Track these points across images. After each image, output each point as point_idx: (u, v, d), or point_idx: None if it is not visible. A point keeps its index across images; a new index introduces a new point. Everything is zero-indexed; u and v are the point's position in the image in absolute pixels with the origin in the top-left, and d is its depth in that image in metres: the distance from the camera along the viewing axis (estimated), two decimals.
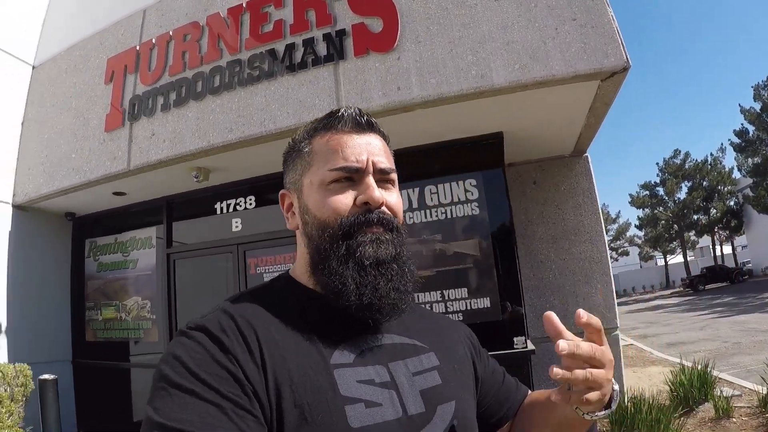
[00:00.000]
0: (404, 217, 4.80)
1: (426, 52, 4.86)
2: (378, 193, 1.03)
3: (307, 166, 1.09)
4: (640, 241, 59.68)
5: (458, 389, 1.09)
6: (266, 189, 6.63)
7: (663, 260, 57.77)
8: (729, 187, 46.62)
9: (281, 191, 1.17)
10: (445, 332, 1.23)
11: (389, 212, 1.05)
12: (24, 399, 5.47)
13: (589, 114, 5.48)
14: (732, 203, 47.10)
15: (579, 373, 0.87)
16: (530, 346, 5.45)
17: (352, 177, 1.04)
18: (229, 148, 5.48)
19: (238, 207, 6.77)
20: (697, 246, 58.10)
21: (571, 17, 4.57)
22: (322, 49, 5.20)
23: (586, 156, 7.01)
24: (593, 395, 0.89)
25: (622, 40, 4.42)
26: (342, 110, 1.09)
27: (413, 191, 5.80)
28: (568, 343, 0.87)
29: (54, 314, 7.53)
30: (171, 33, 6.03)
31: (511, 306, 5.53)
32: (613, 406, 1.01)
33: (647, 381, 8.06)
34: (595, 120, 5.74)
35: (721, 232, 49.59)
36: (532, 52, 4.57)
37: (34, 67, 7.60)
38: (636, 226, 55.99)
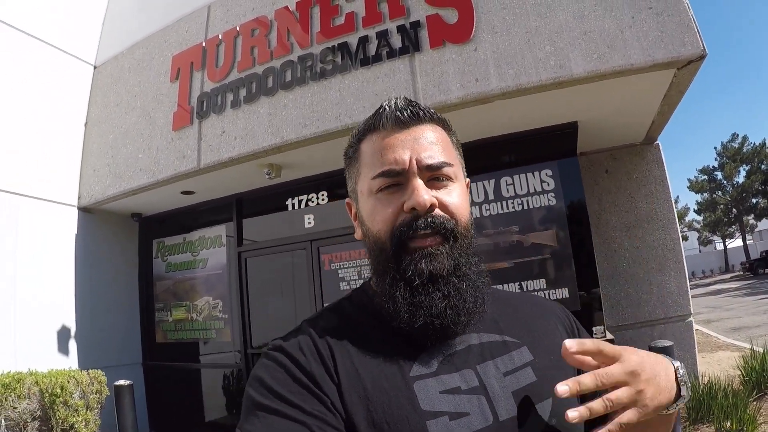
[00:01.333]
0: (478, 210, 4.85)
1: (503, 42, 4.93)
2: (424, 195, 0.95)
3: (358, 174, 1.07)
4: (698, 226, 59.20)
5: (555, 383, 0.92)
6: (339, 184, 6.65)
7: (722, 245, 56.94)
8: None
9: (347, 200, 1.15)
10: (537, 320, 1.13)
11: (443, 214, 0.99)
12: (99, 406, 5.57)
13: (663, 102, 5.51)
14: None
15: (595, 406, 0.81)
16: (609, 335, 5.56)
17: (399, 181, 0.99)
18: (303, 143, 5.60)
19: (310, 203, 6.88)
20: (756, 230, 57.38)
21: (647, 6, 4.60)
22: (396, 41, 5.30)
23: (658, 143, 7.04)
24: (630, 415, 0.82)
25: (698, 28, 4.45)
26: (385, 105, 1.04)
27: (489, 183, 5.87)
28: (566, 384, 0.81)
29: (123, 317, 7.74)
30: (238, 28, 6.19)
31: (590, 296, 5.63)
32: (684, 393, 0.91)
33: (717, 366, 8.08)
34: (669, 108, 5.76)
35: None
36: (609, 41, 4.62)
37: (95, 67, 7.80)
38: (695, 210, 55.68)
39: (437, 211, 0.97)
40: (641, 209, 6.83)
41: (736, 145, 48.44)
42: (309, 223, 6.86)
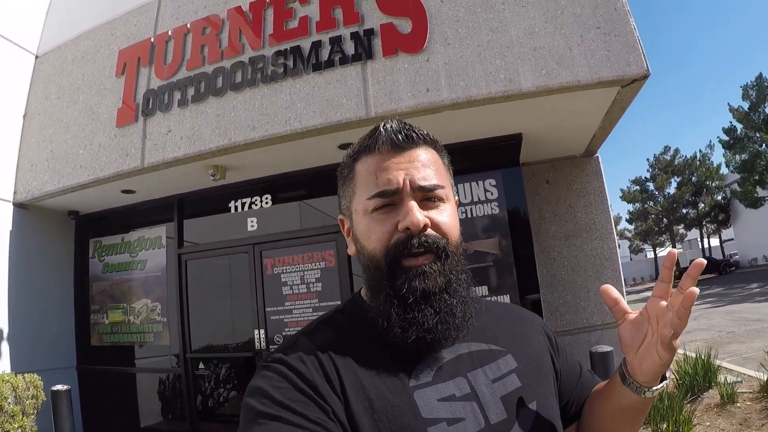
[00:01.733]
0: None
1: (455, 54, 5.01)
2: (417, 216, 0.99)
3: (353, 193, 1.10)
4: (630, 235, 61.51)
5: (538, 389, 1.09)
6: (283, 187, 6.71)
7: (653, 253, 58.99)
8: (717, 183, 48.58)
9: (339, 216, 1.19)
10: (519, 329, 1.21)
11: (435, 233, 1.02)
12: (35, 412, 5.37)
13: (605, 118, 5.73)
14: (720, 198, 48.83)
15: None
16: None
17: (393, 201, 1.02)
18: (251, 146, 5.54)
19: (253, 206, 6.80)
20: (686, 239, 59.92)
21: (596, 25, 4.79)
22: (349, 47, 5.30)
23: (597, 156, 7.29)
24: (673, 338, 0.98)
25: (643, 49, 4.66)
26: (381, 128, 1.06)
27: None
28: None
29: (57, 318, 7.43)
30: (189, 26, 6.06)
31: (531, 302, 5.78)
32: (668, 375, 1.07)
33: None
34: (610, 123, 5.99)
35: (708, 226, 51.02)
36: (558, 58, 4.78)
37: (36, 57, 7.46)
38: (626, 219, 57.95)
39: (430, 231, 1.01)
40: (580, 219, 7.05)
41: (668, 158, 50.71)
42: (252, 226, 6.77)
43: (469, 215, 5.88)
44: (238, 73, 5.68)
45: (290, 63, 5.48)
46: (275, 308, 6.42)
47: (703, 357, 6.92)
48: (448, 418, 0.94)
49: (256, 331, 6.42)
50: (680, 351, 9.67)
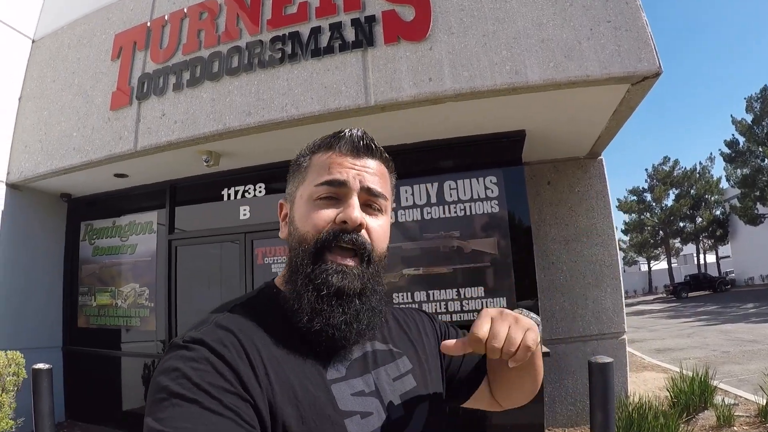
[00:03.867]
0: (420, 212, 4.79)
1: (459, 44, 4.82)
2: (357, 212, 1.03)
3: (302, 180, 1.12)
4: (624, 246, 60.47)
5: (429, 387, 1.16)
6: (277, 177, 6.49)
7: (647, 266, 58.57)
8: (716, 197, 47.83)
9: (280, 201, 1.21)
10: (412, 330, 1.28)
11: (366, 237, 1.06)
12: (15, 389, 5.27)
13: (612, 117, 5.51)
14: (718, 213, 48.33)
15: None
16: (544, 348, 5.46)
17: (338, 194, 1.06)
18: (247, 132, 5.34)
19: (246, 194, 6.62)
20: (681, 253, 59.31)
21: (606, 19, 4.59)
22: (350, 34, 5.10)
23: (601, 158, 7.06)
24: (531, 335, 0.96)
25: (655, 46, 4.46)
26: (345, 132, 1.11)
27: (432, 186, 5.76)
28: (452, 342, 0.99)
29: (46, 299, 7.37)
30: (185, 10, 5.87)
31: (528, 307, 5.50)
32: (539, 335, 1.03)
33: (643, 386, 8.17)
34: (617, 124, 5.78)
35: (705, 241, 50.54)
36: (567, 51, 4.58)
37: (33, 41, 7.38)
38: (622, 230, 56.91)
39: (363, 232, 1.05)
40: (581, 223, 6.82)
41: (667, 168, 49.93)
42: (244, 214, 6.59)
43: (468, 212, 5.68)
44: (235, 58, 5.49)
45: (288, 49, 5.28)
46: None
47: (700, 376, 6.56)
48: (361, 412, 0.99)
49: None
50: (671, 367, 9.58)
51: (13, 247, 6.91)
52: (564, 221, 6.84)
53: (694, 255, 55.81)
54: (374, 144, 1.12)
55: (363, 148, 1.10)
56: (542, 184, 6.94)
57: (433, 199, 5.73)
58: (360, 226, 1.04)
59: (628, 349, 6.69)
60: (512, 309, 1.01)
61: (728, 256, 52.82)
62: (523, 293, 5.55)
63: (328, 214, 1.04)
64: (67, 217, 7.83)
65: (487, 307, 5.25)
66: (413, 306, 5.09)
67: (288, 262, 1.11)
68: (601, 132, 6.03)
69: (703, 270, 51.07)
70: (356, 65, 5.02)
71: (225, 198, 6.75)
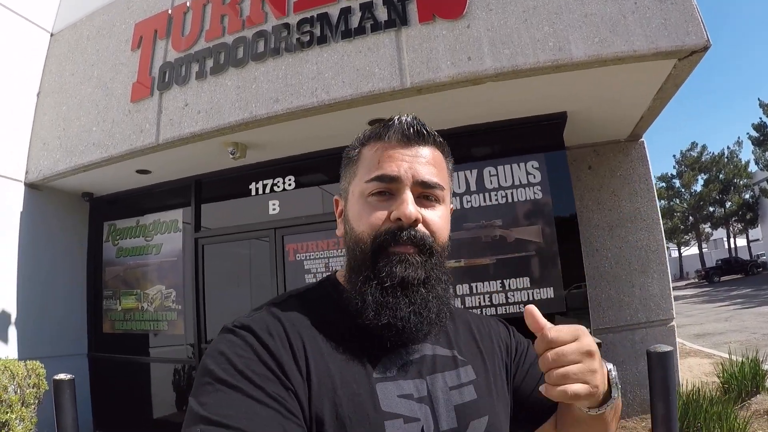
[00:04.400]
0: (459, 201, 4.64)
1: (498, 20, 4.60)
2: (411, 208, 1.00)
3: (353, 175, 1.10)
4: None
5: (493, 403, 1.09)
6: (307, 169, 6.33)
7: (677, 252, 58.18)
8: (745, 181, 47.73)
9: (335, 196, 1.19)
10: (484, 339, 1.21)
11: (425, 230, 1.02)
12: (36, 401, 5.06)
13: (656, 95, 5.33)
14: (747, 196, 47.97)
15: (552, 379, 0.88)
16: (596, 339, 5.27)
17: (390, 189, 1.03)
18: (275, 120, 5.14)
19: (275, 188, 6.40)
20: (711, 238, 59.04)
21: None
22: (382, 14, 4.88)
23: (642, 141, 6.88)
24: (579, 387, 0.87)
25: (702, 18, 4.26)
26: (395, 119, 1.07)
27: (471, 173, 5.58)
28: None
29: (68, 304, 7.16)
30: None
31: (576, 297, 5.44)
32: (614, 395, 1.01)
33: (689, 373, 8.06)
34: (661, 102, 5.60)
35: (735, 225, 50.28)
36: (611, 26, 4.39)
37: (52, 35, 7.23)
38: None
39: (420, 227, 1.01)
40: (625, 208, 6.66)
41: (695, 154, 49.87)
42: (273, 209, 6.38)
43: (510, 200, 5.48)
44: (260, 42, 5.29)
45: (317, 31, 5.07)
46: None
47: (750, 360, 6.46)
48: (405, 416, 0.94)
49: None
50: (714, 352, 9.57)
51: (34, 249, 6.72)
52: (607, 206, 6.66)
53: (725, 239, 55.50)
54: (426, 129, 1.07)
55: (414, 135, 1.05)
56: (582, 169, 6.74)
57: (473, 187, 5.54)
58: (416, 221, 1.00)
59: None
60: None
61: (756, 239, 52.60)
62: (570, 282, 5.40)
63: (383, 211, 1.01)
64: (90, 217, 7.67)
65: (532, 299, 5.11)
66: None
67: (347, 262, 1.09)
68: (644, 112, 5.87)
69: (733, 254, 50.71)
70: (390, 46, 4.80)
71: (253, 192, 6.54)
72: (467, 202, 5.52)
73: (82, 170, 6.26)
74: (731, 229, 51.16)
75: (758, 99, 39.66)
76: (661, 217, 6.85)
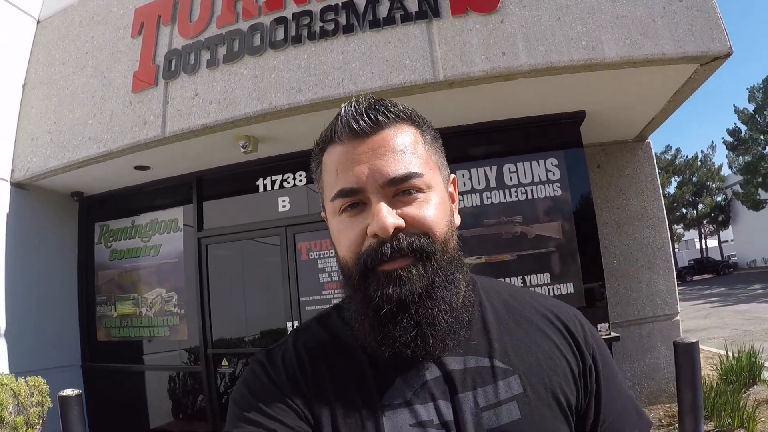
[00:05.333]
0: (479, 197, 4.80)
1: (532, 17, 4.77)
2: (387, 219, 0.85)
3: (321, 191, 1.00)
4: None
5: (544, 425, 0.92)
6: None
7: None
8: (717, 184, 49.92)
9: (321, 213, 1.05)
10: (542, 339, 1.01)
11: (415, 231, 0.89)
12: (41, 421, 4.91)
13: (671, 98, 5.64)
14: (719, 199, 50.08)
15: None
16: (613, 333, 5.72)
17: (360, 200, 0.90)
18: (296, 111, 5.12)
19: (285, 183, 6.38)
20: (683, 239, 61.44)
21: None
22: (412, 4, 4.96)
23: (648, 141, 7.25)
24: None
25: (725, 27, 4.55)
26: (342, 110, 0.94)
27: (491, 169, 5.76)
28: None
29: (59, 311, 6.97)
30: None
31: (595, 292, 5.72)
32: None
33: None
34: (674, 105, 5.92)
35: (707, 227, 52.06)
36: (642, 29, 4.62)
37: (38, 22, 7.00)
38: None
39: (407, 231, 0.88)
40: (632, 206, 6.99)
41: (669, 157, 51.28)
42: (284, 206, 6.35)
43: (530, 196, 5.72)
44: (280, 30, 5.28)
45: (342, 19, 5.11)
46: (311, 298, 6.07)
47: (746, 353, 7.07)
48: None
49: (289, 324, 6.05)
50: (709, 348, 10.00)
51: (24, 254, 6.50)
52: (615, 205, 6.97)
53: (696, 240, 57.50)
54: (379, 109, 0.92)
55: (366, 124, 0.90)
56: (592, 168, 6.97)
57: (493, 183, 5.72)
58: (396, 230, 0.87)
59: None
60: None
61: (727, 241, 54.96)
62: (589, 278, 5.67)
63: (359, 228, 0.89)
64: (80, 218, 7.48)
65: (553, 294, 5.28)
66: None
67: (342, 284, 0.99)
68: (656, 114, 6.17)
69: (705, 254, 52.55)
70: (421, 37, 4.88)
71: (261, 189, 6.51)
72: (487, 198, 5.68)
73: (76, 167, 6.10)
74: (703, 230, 52.89)
75: (734, 105, 42.67)
76: (665, 216, 7.18)
